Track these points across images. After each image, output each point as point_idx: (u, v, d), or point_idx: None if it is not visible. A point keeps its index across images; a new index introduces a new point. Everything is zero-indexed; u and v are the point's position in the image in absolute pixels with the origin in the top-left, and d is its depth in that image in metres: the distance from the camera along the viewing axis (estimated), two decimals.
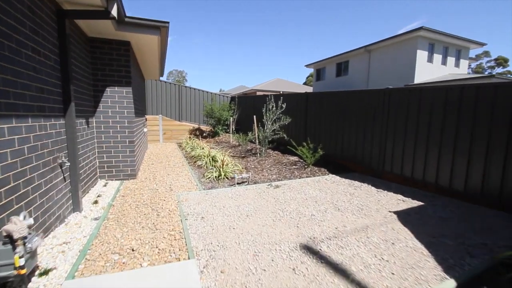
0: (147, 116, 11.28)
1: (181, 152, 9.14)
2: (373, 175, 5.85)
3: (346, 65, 21.61)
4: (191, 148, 9.47)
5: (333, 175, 5.89)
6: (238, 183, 5.15)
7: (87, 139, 4.40)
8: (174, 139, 11.99)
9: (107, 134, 4.88)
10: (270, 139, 7.83)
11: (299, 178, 5.65)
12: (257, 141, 7.98)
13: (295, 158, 7.35)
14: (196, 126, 12.46)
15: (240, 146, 9.57)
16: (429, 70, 16.57)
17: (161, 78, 11.78)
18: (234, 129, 10.94)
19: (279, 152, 8.20)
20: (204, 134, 12.57)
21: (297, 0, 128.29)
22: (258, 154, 7.80)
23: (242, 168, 6.28)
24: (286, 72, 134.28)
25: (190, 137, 12.02)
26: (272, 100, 7.87)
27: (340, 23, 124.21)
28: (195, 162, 7.18)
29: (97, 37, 4.62)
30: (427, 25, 18.73)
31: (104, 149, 4.90)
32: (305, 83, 52.74)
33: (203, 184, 5.15)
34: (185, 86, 12.44)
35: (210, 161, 6.73)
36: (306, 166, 6.45)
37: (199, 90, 12.73)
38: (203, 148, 8.32)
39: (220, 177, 5.46)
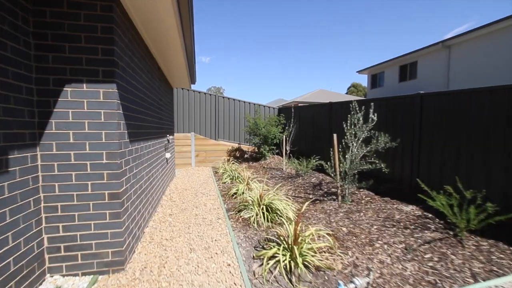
0: (176, 135, 9.07)
1: (217, 184, 6.51)
2: None
3: (413, 67, 17.65)
4: (230, 178, 6.82)
5: None
6: None
7: (13, 197, 1.92)
8: (209, 162, 9.55)
9: (66, 181, 2.35)
10: (356, 171, 4.72)
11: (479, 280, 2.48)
12: (337, 174, 4.79)
13: (416, 210, 4.12)
14: (236, 145, 9.91)
15: (299, 177, 6.62)
16: None
17: (193, 87, 9.60)
18: (287, 151, 8.08)
19: (373, 194, 5.00)
20: (246, 156, 9.93)
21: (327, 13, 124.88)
22: (340, 198, 4.73)
23: (333, 241, 3.24)
24: (324, 84, 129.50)
25: (228, 160, 9.47)
26: (357, 107, 4.86)
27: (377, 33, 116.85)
28: (238, 210, 4.41)
29: None
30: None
31: (60, 213, 2.37)
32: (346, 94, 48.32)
33: None
34: (223, 96, 10.09)
35: (264, 215, 3.89)
36: (455, 234, 3.25)
37: (239, 100, 10.29)
38: (248, 183, 5.56)
39: (292, 269, 2.57)
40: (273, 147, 9.06)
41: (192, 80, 7.44)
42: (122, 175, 2.57)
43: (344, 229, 3.57)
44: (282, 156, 8.61)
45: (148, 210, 3.79)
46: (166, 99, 6.23)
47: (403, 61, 18.35)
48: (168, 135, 6.25)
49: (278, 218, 3.85)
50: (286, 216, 3.83)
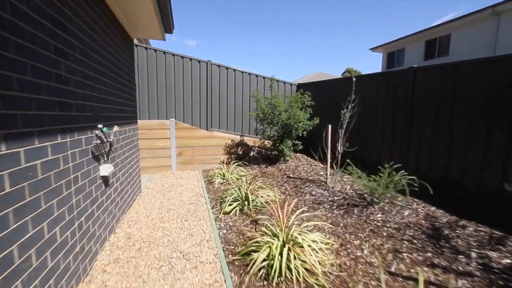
0: (144, 122, 5.77)
1: (215, 221, 3.38)
2: None
3: (444, 42, 14.70)
4: (238, 203, 3.73)
5: None
6: None
7: None
8: (198, 163, 6.35)
9: None
10: None
11: None
12: None
13: None
14: (237, 138, 6.72)
15: (371, 206, 3.54)
16: None
17: (175, 49, 6.14)
18: (338, 153, 4.70)
19: None
20: (253, 154, 6.77)
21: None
22: None
23: None
24: (317, 69, 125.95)
25: (227, 161, 6.30)
26: None
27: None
28: None
29: None
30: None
31: None
32: None
33: None
34: (218, 65, 6.74)
35: None
36: None
37: (242, 72, 6.98)
38: (288, 235, 2.45)
39: None
40: (297, 142, 5.90)
41: (167, 25, 4.10)
42: None
43: None
44: (314, 156, 5.50)
45: None
46: (105, 55, 2.90)
47: (431, 34, 15.37)
48: (112, 127, 2.98)
49: None
50: None
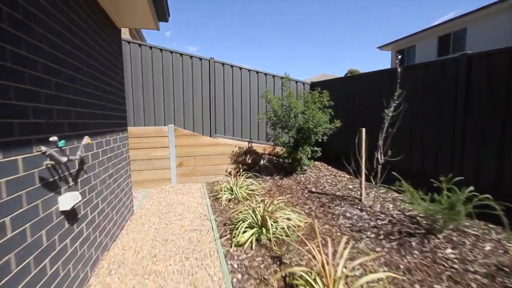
0: (137, 130, 5.00)
1: (225, 258, 2.53)
2: None
3: (459, 37, 13.86)
4: (254, 230, 2.88)
5: None
6: None
7: None
8: (201, 174, 5.54)
9: None
10: None
11: None
12: None
13: None
14: (245, 145, 5.91)
15: (432, 236, 2.67)
16: None
17: (173, 46, 5.38)
18: (378, 163, 3.64)
19: None
20: (263, 163, 5.95)
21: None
22: None
23: None
24: (320, 71, 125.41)
25: (235, 172, 5.45)
26: None
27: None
28: None
29: None
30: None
31: None
32: None
33: None
34: (223, 63, 5.95)
35: None
36: None
37: (249, 70, 6.19)
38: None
39: None
40: (316, 148, 5.05)
41: (160, 10, 3.32)
42: None
43: None
44: (335, 164, 4.66)
45: None
46: (83, 46, 2.11)
47: (444, 29, 14.55)
48: (81, 139, 2.17)
49: None
50: None
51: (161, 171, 5.31)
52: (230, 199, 4.32)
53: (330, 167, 5.26)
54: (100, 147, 2.58)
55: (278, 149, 5.78)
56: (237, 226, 3.03)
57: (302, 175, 4.91)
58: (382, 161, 3.26)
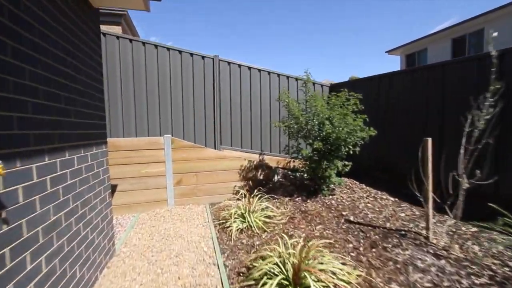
0: (118, 142, 4.11)
1: None
2: None
3: (475, 38, 13.09)
4: None
5: None
6: None
7: None
8: (204, 193, 4.59)
9: None
10: None
11: None
12: None
13: None
14: (256, 158, 4.99)
15: None
16: None
17: (170, 46, 4.55)
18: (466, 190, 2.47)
19: None
20: (278, 179, 4.99)
21: None
22: None
23: None
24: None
25: (246, 189, 4.46)
26: None
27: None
28: None
29: None
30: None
31: None
32: None
33: None
34: (229, 62, 5.08)
35: None
36: None
37: (259, 70, 5.31)
38: None
39: None
40: (347, 163, 4.06)
41: None
42: None
43: None
44: (362, 181, 3.69)
45: None
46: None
47: (459, 31, 13.80)
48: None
49: None
50: None
51: (155, 191, 4.37)
52: (241, 229, 3.36)
53: (363, 186, 4.30)
54: (50, 172, 1.65)
55: (297, 162, 4.83)
56: (257, 280, 2.07)
57: (330, 196, 3.94)
58: (466, 184, 2.28)
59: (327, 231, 2.94)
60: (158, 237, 3.30)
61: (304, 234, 2.90)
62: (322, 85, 5.76)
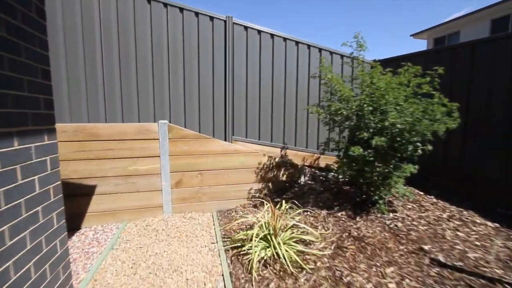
0: (96, 128, 2.98)
1: None
2: None
3: None
4: None
5: None
6: None
7: None
8: (212, 198, 3.51)
9: None
10: None
11: None
12: None
13: None
14: (277, 152, 3.87)
15: None
16: None
17: (169, 1, 3.39)
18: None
19: None
20: (304, 181, 3.86)
21: None
22: None
23: None
24: None
25: (264, 193, 3.33)
26: None
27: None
28: None
29: None
30: None
31: None
32: None
33: None
34: (246, 26, 3.85)
35: None
36: None
37: (285, 38, 4.07)
38: None
39: None
40: (415, 166, 2.86)
41: None
42: None
43: None
44: (429, 192, 2.53)
45: None
46: None
47: (501, 11, 12.13)
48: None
49: None
50: None
51: (147, 194, 3.31)
52: (266, 262, 2.28)
53: (432, 198, 3.13)
54: None
55: (329, 159, 3.69)
56: None
57: (391, 214, 2.78)
58: None
59: (407, 280, 1.82)
60: (144, 271, 2.24)
61: (370, 285, 1.80)
62: (363, 62, 4.50)
